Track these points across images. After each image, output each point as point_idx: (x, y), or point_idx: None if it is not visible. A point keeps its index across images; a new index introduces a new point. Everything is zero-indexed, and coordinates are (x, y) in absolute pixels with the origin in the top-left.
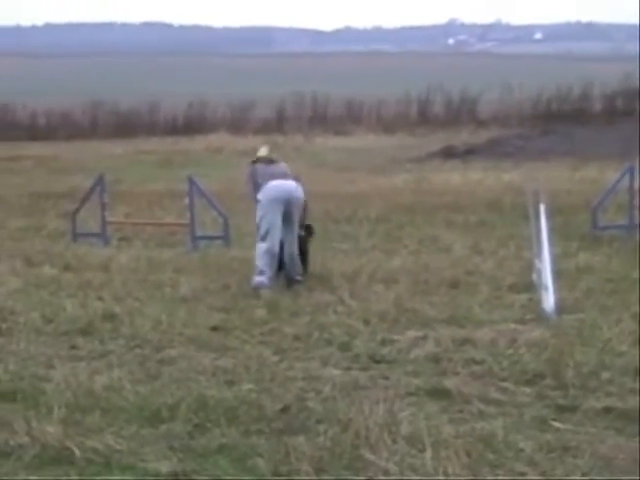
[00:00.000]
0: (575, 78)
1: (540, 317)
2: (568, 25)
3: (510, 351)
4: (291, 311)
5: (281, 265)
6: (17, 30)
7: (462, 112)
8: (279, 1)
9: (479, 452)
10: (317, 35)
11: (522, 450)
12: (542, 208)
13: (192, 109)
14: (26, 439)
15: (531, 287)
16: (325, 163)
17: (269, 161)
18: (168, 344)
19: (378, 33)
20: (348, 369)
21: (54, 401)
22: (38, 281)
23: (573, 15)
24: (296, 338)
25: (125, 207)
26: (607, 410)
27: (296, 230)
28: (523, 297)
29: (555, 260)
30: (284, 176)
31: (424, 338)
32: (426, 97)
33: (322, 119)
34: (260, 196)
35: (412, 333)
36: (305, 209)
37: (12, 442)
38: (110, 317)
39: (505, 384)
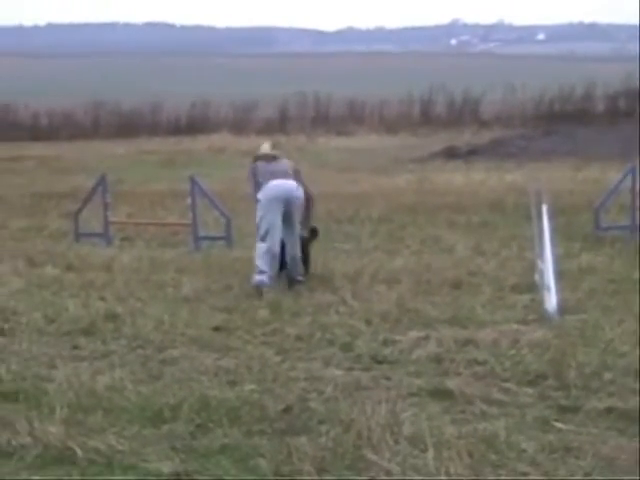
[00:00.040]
0: (578, 78)
1: (542, 318)
2: (571, 26)
3: (512, 352)
4: (293, 311)
5: (282, 265)
6: (19, 30)
7: (465, 112)
8: (282, 1)
9: (481, 452)
10: (320, 35)
11: (524, 450)
12: (544, 208)
13: (194, 109)
14: (28, 439)
15: (533, 288)
16: (327, 163)
17: (271, 158)
18: (170, 344)
19: (380, 33)
20: (350, 369)
21: (56, 401)
22: (40, 281)
23: (576, 16)
24: (298, 338)
25: (127, 207)
26: (609, 411)
27: (297, 230)
28: (525, 298)
29: (557, 261)
30: (285, 175)
31: (426, 338)
32: (429, 97)
33: (324, 119)
34: (260, 196)
35: (414, 333)
36: (311, 207)
37: (14, 442)
38: (112, 317)
39: (507, 385)
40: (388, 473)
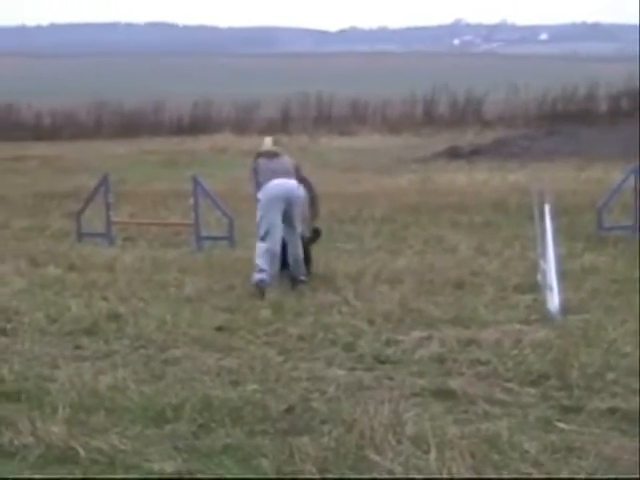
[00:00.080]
0: (581, 79)
1: (545, 318)
2: (574, 26)
3: (515, 352)
4: (296, 311)
5: (285, 266)
6: (22, 30)
7: (467, 112)
8: (284, 1)
9: (484, 453)
10: (322, 35)
11: (527, 451)
12: (547, 208)
13: (197, 109)
14: (31, 439)
15: (536, 288)
16: (330, 163)
17: (272, 155)
18: (173, 344)
19: (383, 33)
20: (353, 369)
21: (59, 401)
22: (42, 281)
23: (579, 16)
24: (300, 338)
25: (130, 207)
26: (612, 411)
27: (298, 230)
28: (528, 298)
29: (560, 261)
30: (286, 174)
31: (429, 338)
32: (431, 97)
33: (327, 119)
34: (260, 195)
35: (417, 333)
36: (316, 204)
37: (17, 442)
38: (115, 317)
39: (510, 385)
40: (390, 473)
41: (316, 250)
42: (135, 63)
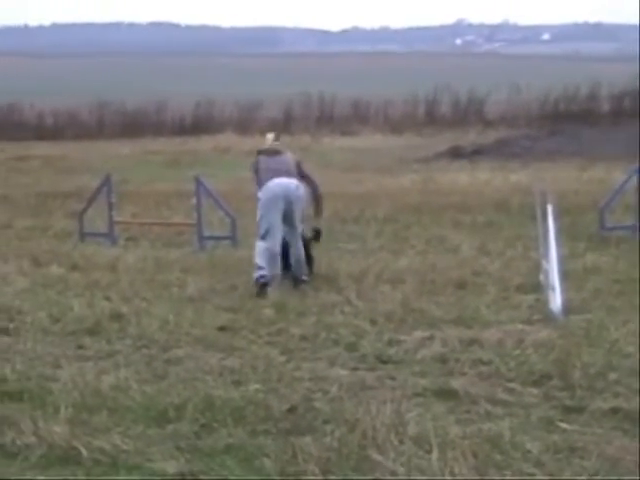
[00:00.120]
0: (583, 78)
1: (547, 318)
2: (576, 26)
3: (517, 352)
4: (298, 311)
5: (287, 266)
6: (24, 30)
7: (469, 112)
8: (286, 1)
9: (486, 453)
10: (324, 35)
11: (529, 451)
12: (549, 209)
13: (199, 109)
14: (33, 439)
15: (538, 288)
16: (332, 163)
17: (273, 153)
18: (175, 344)
19: (385, 33)
20: (355, 369)
21: (61, 401)
22: (45, 281)
23: (581, 16)
24: (303, 338)
25: (132, 207)
26: (614, 411)
27: (299, 230)
28: (530, 298)
29: (562, 261)
30: (287, 173)
31: (431, 338)
32: (433, 97)
33: (329, 119)
34: (260, 194)
35: (419, 333)
36: (320, 201)
37: (19, 442)
38: (117, 317)
39: (512, 385)
40: (393, 473)
41: (318, 250)
42: (137, 63)
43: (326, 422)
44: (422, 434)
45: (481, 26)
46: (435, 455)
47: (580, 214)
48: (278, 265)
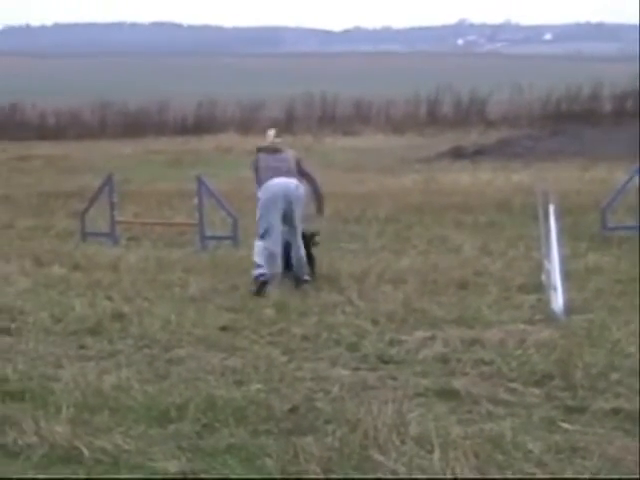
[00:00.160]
0: (585, 78)
1: (549, 318)
2: (578, 26)
3: (519, 352)
4: (299, 311)
5: (288, 266)
6: (26, 30)
7: (471, 112)
8: (288, 1)
9: (487, 453)
10: (326, 35)
11: (531, 451)
12: (551, 209)
13: (201, 109)
14: (35, 439)
15: (540, 288)
16: (334, 163)
17: (273, 151)
18: (177, 344)
19: (387, 33)
20: (356, 369)
21: (63, 401)
22: (47, 281)
23: (583, 16)
24: (304, 338)
25: (134, 207)
26: (615, 411)
27: (299, 230)
28: (532, 298)
29: (564, 261)
30: (287, 172)
31: (432, 338)
32: (435, 97)
33: (331, 119)
34: (260, 194)
35: (420, 333)
36: (320, 201)
37: (21, 442)
38: (119, 317)
39: (514, 385)
40: (394, 473)
41: (320, 250)
42: (140, 63)
43: (328, 422)
44: (424, 434)
45: (483, 26)
46: (437, 455)
47: (582, 214)
48: (277, 264)
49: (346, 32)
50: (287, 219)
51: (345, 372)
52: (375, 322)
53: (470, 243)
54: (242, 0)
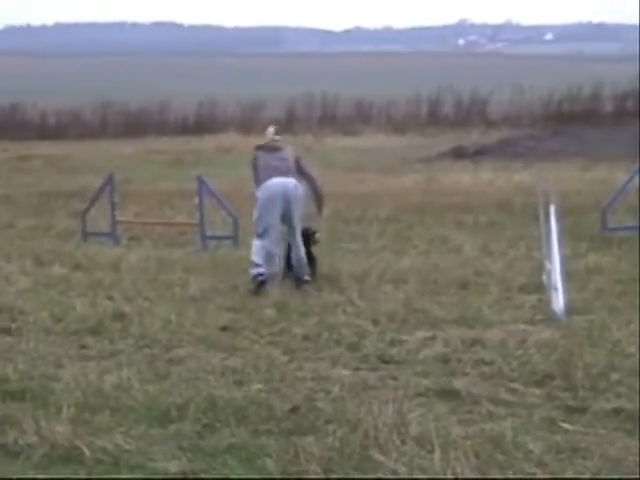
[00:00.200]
0: (586, 79)
1: (550, 318)
2: (579, 26)
3: (520, 352)
4: (300, 311)
5: (289, 266)
6: (27, 30)
7: (472, 112)
8: (289, 1)
9: (488, 453)
10: (327, 35)
11: (531, 451)
12: (552, 209)
13: (202, 109)
14: (35, 438)
15: (541, 288)
16: (335, 163)
17: (272, 149)
18: (177, 344)
19: (388, 33)
20: (357, 369)
21: (63, 400)
22: (48, 280)
23: (584, 16)
24: (305, 338)
25: (135, 207)
26: (616, 411)
27: (298, 230)
28: (533, 298)
29: (565, 261)
30: (286, 171)
31: (433, 338)
32: (436, 97)
33: (332, 119)
34: (259, 194)
35: (421, 333)
36: (320, 200)
37: (21, 441)
38: (120, 317)
39: (514, 385)
40: (395, 473)
41: (321, 250)
42: (140, 63)
43: (328, 422)
44: (424, 434)
45: (484, 26)
46: (437, 455)
47: (583, 214)
48: (276, 264)
49: (347, 32)
50: (286, 219)
51: (346, 372)
52: (376, 322)
53: (471, 243)
54: (243, 0)
